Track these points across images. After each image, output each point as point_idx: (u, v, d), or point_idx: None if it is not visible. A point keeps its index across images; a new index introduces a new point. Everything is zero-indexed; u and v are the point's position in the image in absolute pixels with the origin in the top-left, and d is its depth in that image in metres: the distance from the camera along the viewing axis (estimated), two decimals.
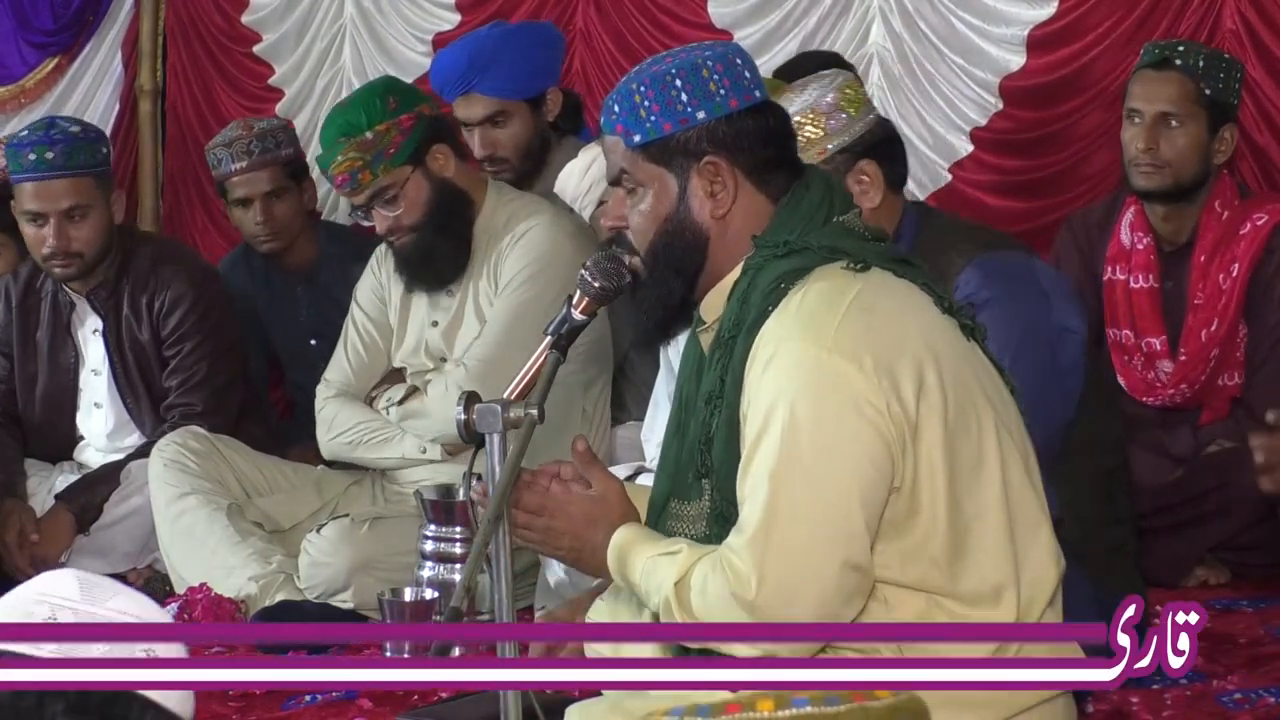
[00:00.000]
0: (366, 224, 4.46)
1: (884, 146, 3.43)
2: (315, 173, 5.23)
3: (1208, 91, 4.41)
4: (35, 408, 5.02)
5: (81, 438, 5.04)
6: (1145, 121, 4.41)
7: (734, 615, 2.53)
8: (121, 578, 4.79)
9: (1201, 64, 4.41)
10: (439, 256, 4.39)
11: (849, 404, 2.53)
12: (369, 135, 4.29)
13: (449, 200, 4.37)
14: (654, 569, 2.64)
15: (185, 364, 4.87)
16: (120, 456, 4.91)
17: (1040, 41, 5.42)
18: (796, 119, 3.25)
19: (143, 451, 4.76)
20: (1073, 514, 3.27)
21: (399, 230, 4.35)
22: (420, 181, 4.34)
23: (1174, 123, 4.40)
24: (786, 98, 3.37)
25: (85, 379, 4.98)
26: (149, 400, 4.91)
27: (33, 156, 4.73)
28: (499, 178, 4.86)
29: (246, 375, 5.09)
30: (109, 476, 4.83)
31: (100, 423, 4.99)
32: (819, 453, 2.53)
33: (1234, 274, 4.39)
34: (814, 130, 3.34)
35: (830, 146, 3.35)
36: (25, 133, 4.85)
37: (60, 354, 4.98)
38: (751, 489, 2.56)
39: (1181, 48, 4.49)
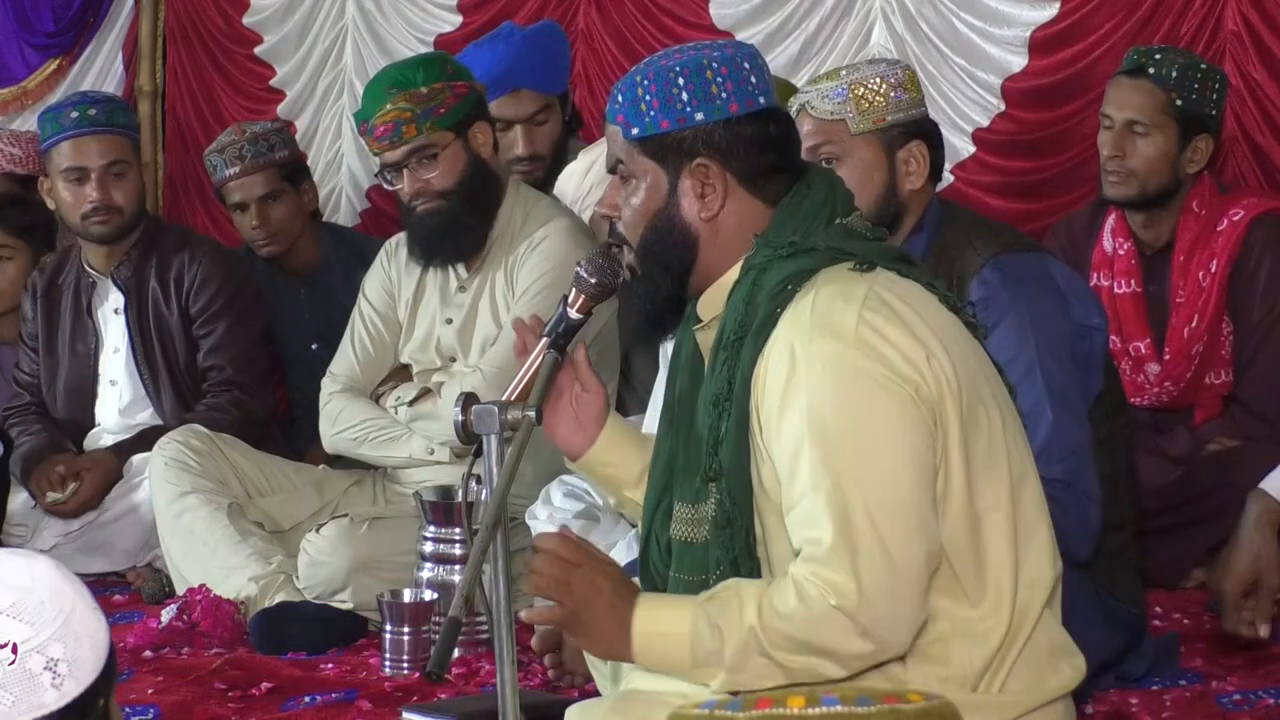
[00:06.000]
0: (390, 188, 4.43)
1: (935, 136, 3.61)
2: (316, 174, 5.22)
3: (1179, 102, 4.38)
4: (57, 400, 5.07)
5: (98, 426, 5.06)
6: (1115, 128, 4.43)
7: (837, 629, 2.48)
8: (121, 576, 4.80)
9: (1175, 74, 4.38)
10: (460, 230, 4.37)
11: (891, 396, 2.52)
12: (423, 90, 4.29)
13: (482, 177, 4.37)
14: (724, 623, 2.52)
15: (225, 340, 4.94)
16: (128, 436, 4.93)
17: (1042, 43, 5.41)
18: (865, 82, 3.48)
19: (146, 440, 4.75)
20: None
21: (427, 194, 4.33)
22: (459, 151, 4.33)
23: (1141, 131, 4.39)
24: (856, 64, 3.61)
25: (105, 359, 5.02)
26: (168, 376, 4.95)
27: (75, 114, 4.87)
28: (533, 176, 4.86)
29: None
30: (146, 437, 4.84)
31: (114, 399, 5.02)
32: (878, 448, 2.51)
33: (1213, 270, 4.41)
34: (879, 97, 3.50)
35: (889, 118, 3.50)
36: (61, 99, 5.00)
37: (81, 341, 5.04)
38: (812, 502, 2.51)
39: (1159, 55, 4.43)
